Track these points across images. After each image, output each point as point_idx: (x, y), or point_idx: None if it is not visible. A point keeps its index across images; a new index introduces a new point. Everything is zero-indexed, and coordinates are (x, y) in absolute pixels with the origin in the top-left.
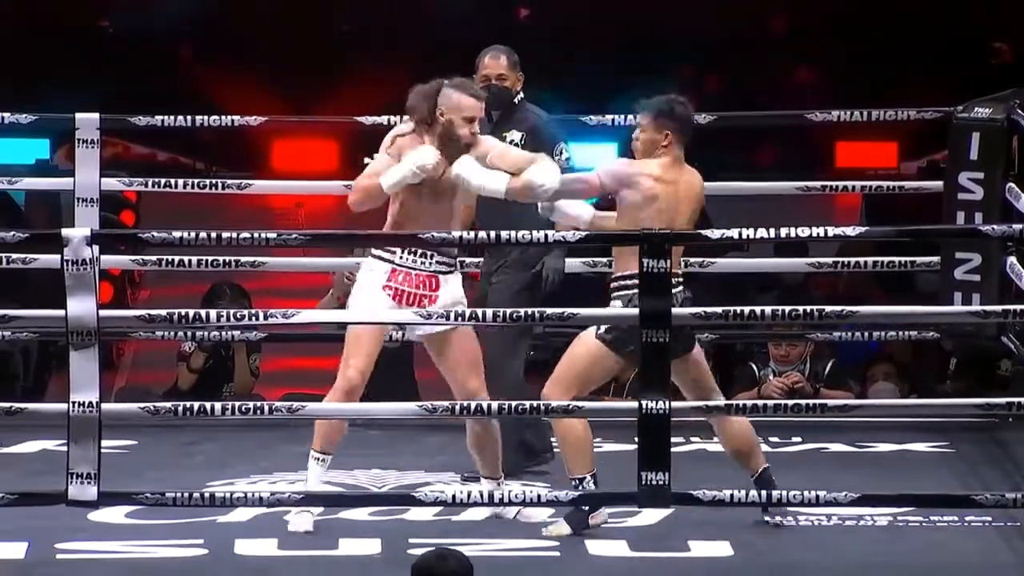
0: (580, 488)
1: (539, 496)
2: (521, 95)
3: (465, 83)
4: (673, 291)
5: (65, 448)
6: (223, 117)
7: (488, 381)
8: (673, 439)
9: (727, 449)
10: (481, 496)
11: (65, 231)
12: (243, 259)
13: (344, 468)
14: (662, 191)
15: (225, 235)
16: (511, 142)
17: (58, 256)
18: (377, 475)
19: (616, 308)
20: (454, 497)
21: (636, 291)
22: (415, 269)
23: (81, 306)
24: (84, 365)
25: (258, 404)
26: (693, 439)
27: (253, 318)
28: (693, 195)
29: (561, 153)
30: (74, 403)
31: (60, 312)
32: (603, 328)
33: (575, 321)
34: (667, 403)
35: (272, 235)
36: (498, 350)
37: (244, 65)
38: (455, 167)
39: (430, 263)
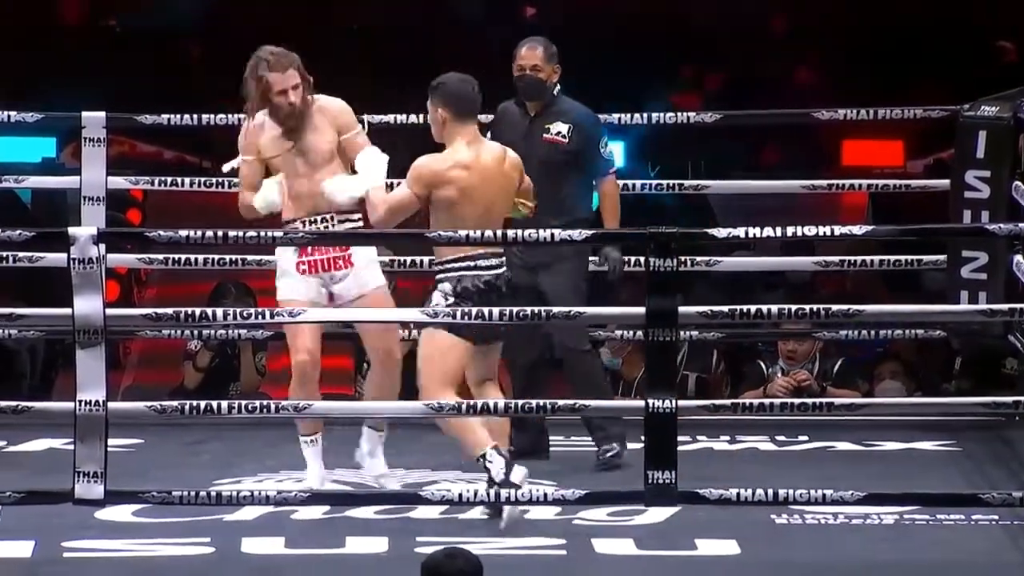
0: (487, 462)
1: (545, 495)
2: (559, 87)
3: (273, 59)
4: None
5: (72, 447)
6: (230, 115)
7: (572, 376)
8: (679, 437)
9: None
10: (488, 495)
11: (71, 230)
12: (249, 258)
13: (351, 467)
14: (475, 180)
15: (232, 234)
16: (557, 133)
17: (64, 255)
18: (384, 473)
19: (444, 291)
20: (460, 496)
21: (463, 272)
22: None
23: (88, 305)
24: (91, 364)
25: (264, 403)
26: (699, 438)
27: (260, 317)
28: (498, 173)
29: (606, 146)
30: (81, 402)
31: (67, 311)
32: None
33: (581, 320)
34: (673, 402)
35: (278, 234)
36: (574, 343)
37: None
38: (325, 186)
39: (333, 224)
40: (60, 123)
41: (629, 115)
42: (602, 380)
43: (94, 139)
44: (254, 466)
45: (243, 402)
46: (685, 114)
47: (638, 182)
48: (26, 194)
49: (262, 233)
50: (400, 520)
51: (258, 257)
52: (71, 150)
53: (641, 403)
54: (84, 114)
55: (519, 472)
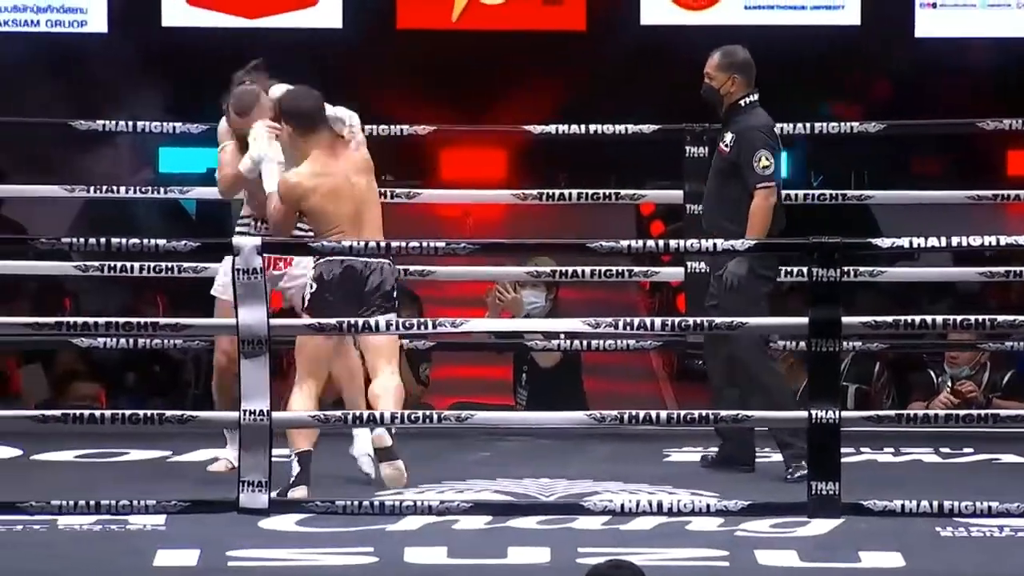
0: (297, 460)
1: (708, 506)
2: (748, 98)
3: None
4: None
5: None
6: (391, 127)
7: (754, 394)
8: (843, 449)
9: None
10: (650, 505)
11: (236, 240)
12: (412, 268)
13: (513, 477)
14: (326, 190)
15: (394, 244)
16: (724, 143)
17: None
18: (546, 484)
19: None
20: (623, 506)
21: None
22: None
23: (252, 315)
24: (255, 373)
25: (427, 413)
26: (863, 449)
27: (422, 327)
28: (352, 178)
29: (760, 160)
30: (245, 411)
31: (231, 321)
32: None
33: (744, 330)
34: (837, 413)
35: (440, 244)
36: (739, 351)
37: (411, 73)
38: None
39: None
40: None
41: (792, 125)
42: (776, 392)
43: None
44: (416, 476)
45: (406, 412)
46: (849, 124)
47: (800, 192)
48: (191, 205)
49: (424, 243)
50: (562, 530)
51: (421, 268)
52: None
53: (804, 414)
54: None
55: (299, 491)
